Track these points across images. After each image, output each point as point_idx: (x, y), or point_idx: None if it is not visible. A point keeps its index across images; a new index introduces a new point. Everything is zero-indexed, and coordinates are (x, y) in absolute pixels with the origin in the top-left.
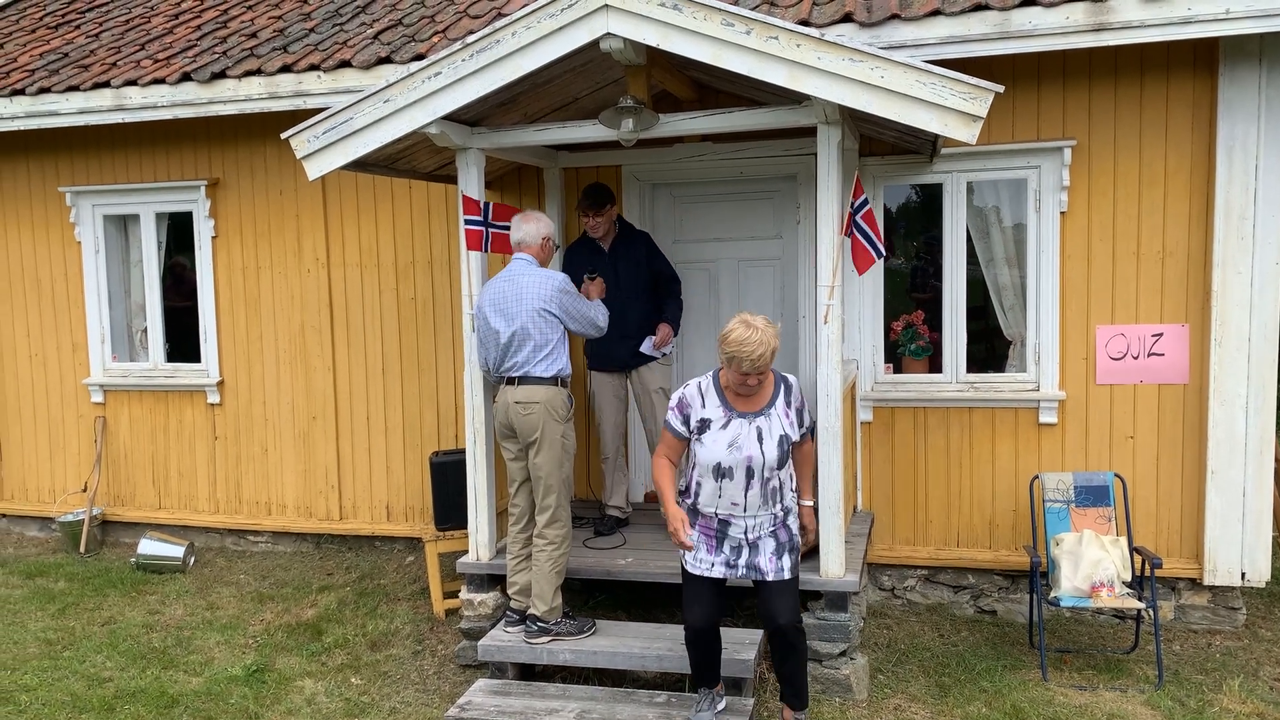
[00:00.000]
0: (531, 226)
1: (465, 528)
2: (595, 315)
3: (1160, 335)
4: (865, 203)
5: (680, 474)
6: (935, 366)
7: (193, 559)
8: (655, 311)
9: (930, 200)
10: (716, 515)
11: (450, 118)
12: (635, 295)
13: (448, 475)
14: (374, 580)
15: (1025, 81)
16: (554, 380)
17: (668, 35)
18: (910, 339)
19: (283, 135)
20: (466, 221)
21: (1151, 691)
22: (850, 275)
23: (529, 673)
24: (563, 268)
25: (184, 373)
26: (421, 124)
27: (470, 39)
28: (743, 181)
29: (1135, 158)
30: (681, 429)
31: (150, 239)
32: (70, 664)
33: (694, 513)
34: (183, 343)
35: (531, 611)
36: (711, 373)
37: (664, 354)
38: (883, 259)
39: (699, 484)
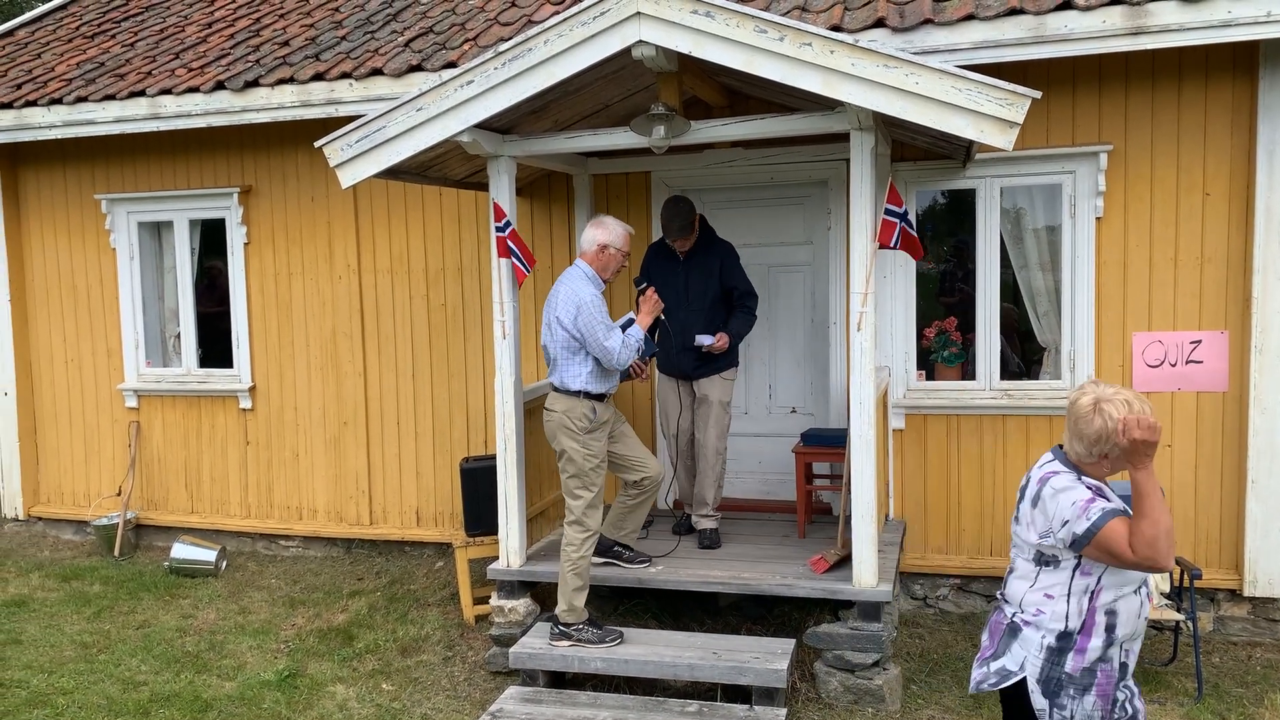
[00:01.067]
0: (590, 232)
1: (495, 534)
2: (609, 344)
3: (1199, 342)
4: (905, 211)
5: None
6: (968, 373)
7: (224, 563)
8: (723, 326)
9: (958, 203)
10: (1119, 659)
11: (482, 126)
12: (702, 307)
13: (478, 481)
14: (404, 585)
15: (1060, 86)
16: (576, 393)
17: (700, 42)
18: (943, 345)
19: (316, 144)
20: (497, 229)
21: (1191, 705)
22: (882, 282)
23: (560, 680)
24: (642, 267)
25: (216, 378)
26: (454, 132)
27: (502, 47)
28: (773, 187)
29: (1173, 162)
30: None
31: (184, 245)
32: (105, 667)
33: (1087, 674)
34: (215, 348)
35: (554, 612)
36: (1069, 466)
37: (729, 367)
38: (912, 261)
39: (1108, 612)
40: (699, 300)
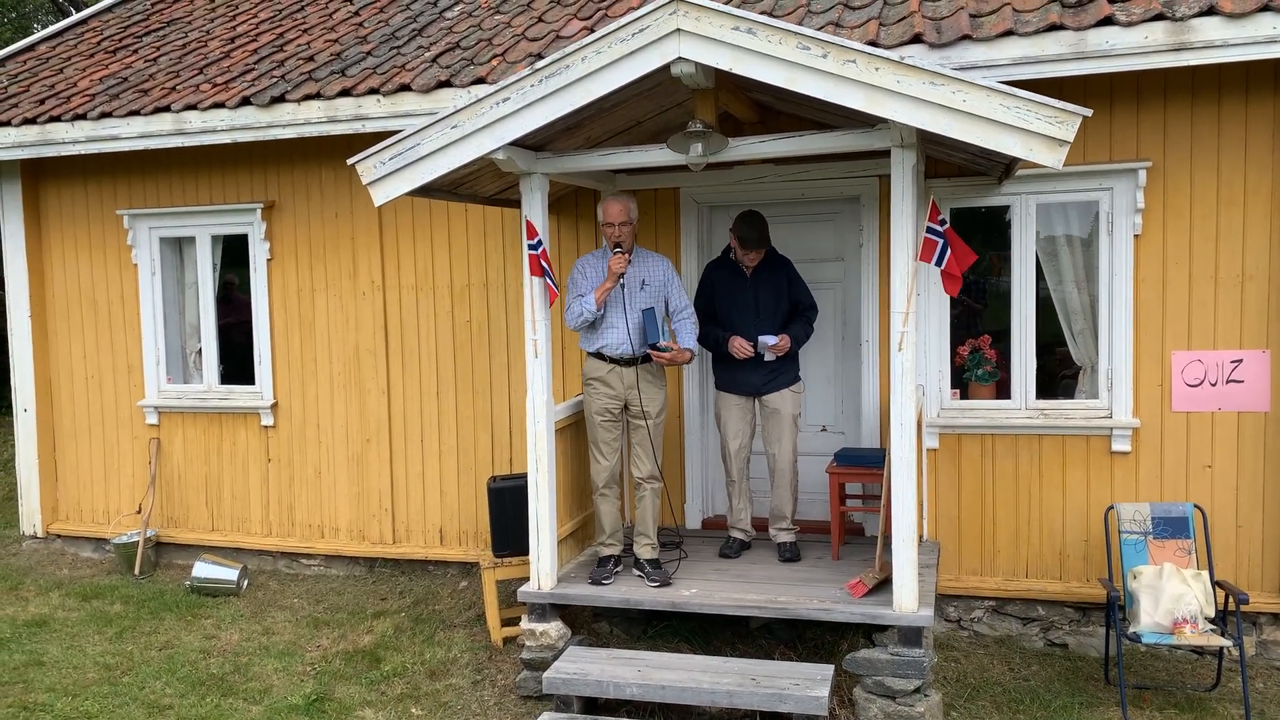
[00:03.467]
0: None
1: (522, 554)
2: (570, 304)
3: (1240, 361)
4: (944, 222)
5: None
6: (1003, 392)
7: (246, 582)
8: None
9: (989, 218)
10: None
11: (516, 143)
12: (773, 322)
13: (506, 501)
14: (429, 606)
15: (1098, 101)
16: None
17: (741, 59)
18: (977, 364)
19: (349, 161)
20: (530, 247)
21: None
22: (916, 299)
23: (593, 706)
24: (700, 285)
25: (238, 395)
26: (489, 150)
27: (539, 64)
28: (803, 203)
29: (1213, 178)
30: None
31: (206, 261)
32: (130, 690)
33: None
34: (237, 365)
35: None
36: None
37: (795, 380)
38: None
39: None
40: (769, 315)
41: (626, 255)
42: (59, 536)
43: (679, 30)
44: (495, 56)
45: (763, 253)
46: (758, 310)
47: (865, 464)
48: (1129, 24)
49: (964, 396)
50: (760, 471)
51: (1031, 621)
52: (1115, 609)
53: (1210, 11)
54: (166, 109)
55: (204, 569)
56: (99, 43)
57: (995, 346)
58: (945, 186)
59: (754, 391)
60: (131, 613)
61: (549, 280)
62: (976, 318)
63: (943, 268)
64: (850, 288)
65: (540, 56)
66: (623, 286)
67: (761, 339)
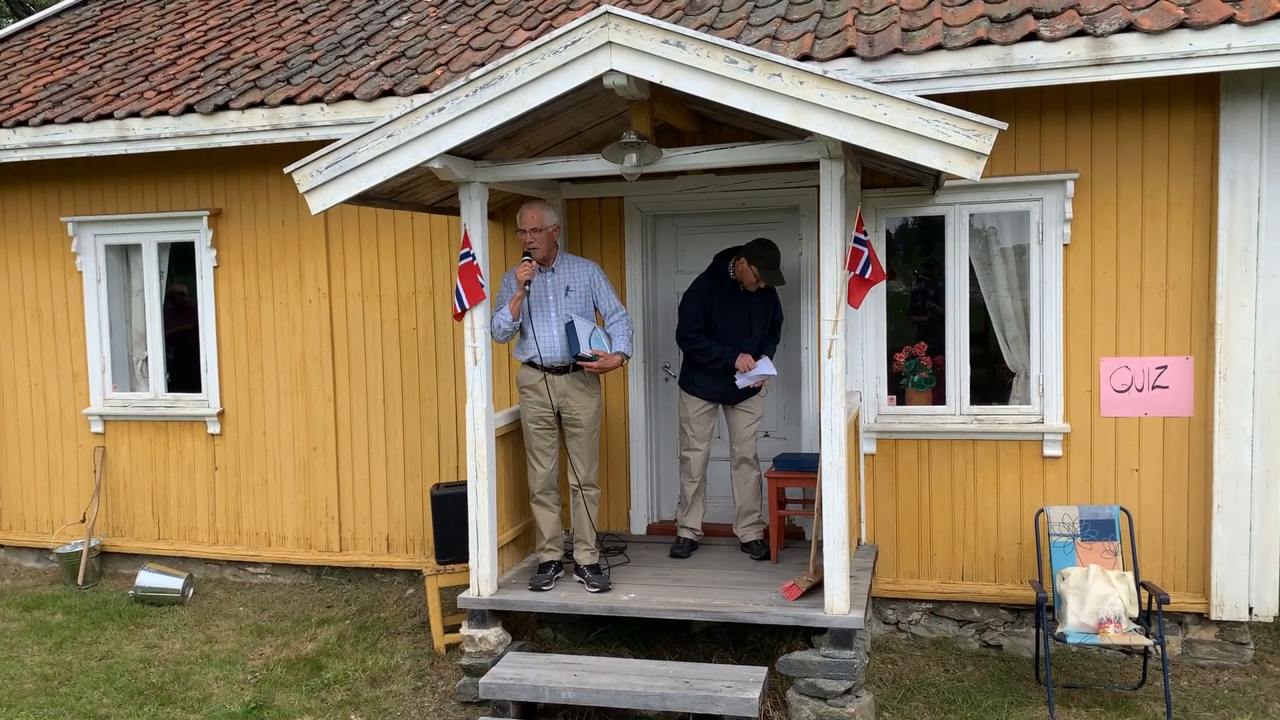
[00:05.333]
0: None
1: (465, 561)
2: (493, 316)
3: (1164, 368)
4: (860, 239)
5: None
6: (939, 398)
7: (191, 591)
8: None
9: (928, 222)
10: None
11: (454, 152)
12: (759, 341)
13: (448, 508)
14: (374, 613)
15: (1027, 114)
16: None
17: (671, 72)
18: (913, 370)
19: (286, 170)
20: (461, 255)
21: None
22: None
23: (531, 711)
24: (691, 296)
25: (184, 403)
26: (425, 159)
27: (474, 75)
28: (745, 213)
29: (1138, 190)
30: None
31: (152, 269)
32: (67, 700)
33: None
34: (184, 373)
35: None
36: None
37: (762, 379)
38: (883, 286)
39: None
40: (760, 334)
41: (533, 264)
42: (1, 546)
43: (610, 43)
44: (440, 66)
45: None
46: (751, 328)
47: (803, 469)
48: (1052, 39)
49: (901, 402)
50: (710, 475)
51: (967, 623)
52: (1044, 610)
53: (1130, 28)
54: (110, 116)
55: (148, 578)
56: (45, 48)
57: (931, 354)
58: (882, 197)
59: (727, 400)
60: (73, 623)
61: (457, 296)
62: (921, 329)
63: (867, 277)
64: (790, 295)
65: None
66: (548, 294)
67: (762, 368)
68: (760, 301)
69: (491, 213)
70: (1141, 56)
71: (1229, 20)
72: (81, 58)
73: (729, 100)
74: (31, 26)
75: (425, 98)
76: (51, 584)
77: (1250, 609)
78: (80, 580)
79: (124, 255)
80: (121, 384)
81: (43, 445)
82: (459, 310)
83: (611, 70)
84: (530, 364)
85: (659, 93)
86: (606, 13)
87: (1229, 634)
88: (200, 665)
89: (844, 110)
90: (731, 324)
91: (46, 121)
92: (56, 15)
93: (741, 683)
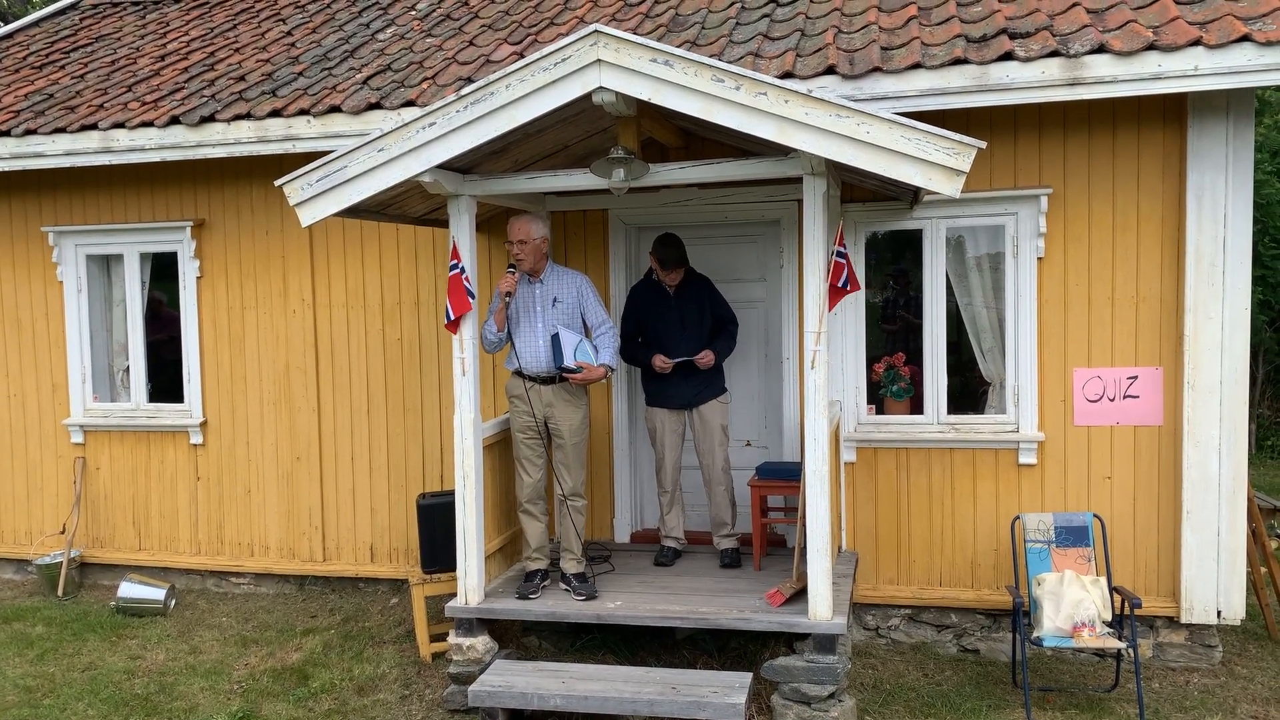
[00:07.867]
0: None
1: (452, 570)
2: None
3: (1135, 378)
4: (841, 253)
5: None
6: (917, 407)
7: (174, 601)
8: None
9: (905, 235)
10: None
11: (444, 166)
12: (699, 336)
13: (435, 517)
14: (358, 623)
15: (1002, 131)
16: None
17: (659, 90)
18: (892, 380)
19: (276, 183)
20: (450, 268)
21: None
22: (833, 318)
23: (519, 718)
24: (626, 307)
25: (166, 413)
26: (415, 173)
27: (465, 90)
28: (728, 225)
29: (1109, 205)
30: None
31: (134, 279)
32: (51, 712)
33: None
34: (166, 383)
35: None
36: None
37: (722, 392)
38: (863, 298)
39: None
40: (695, 330)
41: (516, 275)
42: None
43: (599, 61)
44: (426, 79)
45: (683, 272)
46: (683, 326)
47: (785, 477)
48: (1027, 59)
49: (880, 412)
50: (691, 484)
51: (945, 628)
52: (1020, 615)
53: (1101, 50)
54: (93, 127)
55: (130, 589)
56: (24, 58)
57: (908, 363)
58: (861, 211)
59: (684, 404)
60: (54, 634)
61: (471, 298)
62: (892, 337)
63: (845, 288)
64: (772, 307)
65: (470, 80)
66: (535, 305)
67: (686, 357)
68: (692, 300)
69: (478, 224)
70: (1113, 77)
71: (1196, 43)
72: (62, 67)
73: (717, 118)
74: (9, 35)
75: (416, 112)
76: (30, 595)
77: (1219, 612)
78: (60, 591)
79: (105, 265)
80: (102, 394)
81: (21, 456)
82: (449, 321)
83: (601, 88)
84: (518, 374)
85: (646, 109)
86: (596, 31)
87: (1198, 637)
88: (185, 676)
89: (828, 129)
90: (664, 326)
91: (29, 132)
92: (35, 24)
93: (728, 688)
